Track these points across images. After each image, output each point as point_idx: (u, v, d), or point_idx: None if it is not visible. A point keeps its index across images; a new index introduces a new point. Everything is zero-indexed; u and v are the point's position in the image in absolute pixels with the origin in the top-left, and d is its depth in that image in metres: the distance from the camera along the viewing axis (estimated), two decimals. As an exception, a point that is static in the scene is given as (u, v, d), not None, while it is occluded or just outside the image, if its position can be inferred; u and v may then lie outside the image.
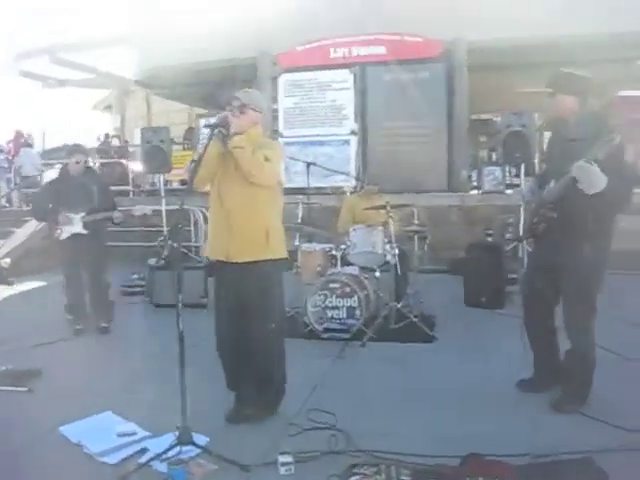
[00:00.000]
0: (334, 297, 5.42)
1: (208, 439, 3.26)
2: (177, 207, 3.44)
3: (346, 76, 10.56)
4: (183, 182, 12.27)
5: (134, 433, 3.36)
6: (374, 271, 5.80)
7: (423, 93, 10.29)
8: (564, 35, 9.58)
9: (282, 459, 2.93)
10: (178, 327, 3.09)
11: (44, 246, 8.65)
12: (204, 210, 8.28)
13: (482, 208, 9.10)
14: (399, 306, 5.68)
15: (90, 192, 5.74)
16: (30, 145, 14.88)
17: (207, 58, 11.51)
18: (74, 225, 5.65)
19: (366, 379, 4.42)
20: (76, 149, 5.87)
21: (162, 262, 7.08)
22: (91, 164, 6.56)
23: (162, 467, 2.91)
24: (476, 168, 10.98)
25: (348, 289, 5.40)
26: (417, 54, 10.35)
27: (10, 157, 14.54)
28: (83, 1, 14.75)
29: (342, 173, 8.80)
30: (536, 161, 8.92)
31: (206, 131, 3.44)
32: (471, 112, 10.90)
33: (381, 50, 10.53)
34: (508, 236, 8.12)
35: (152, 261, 7.17)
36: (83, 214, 5.65)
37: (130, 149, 15.41)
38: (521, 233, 7.39)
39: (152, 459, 3.00)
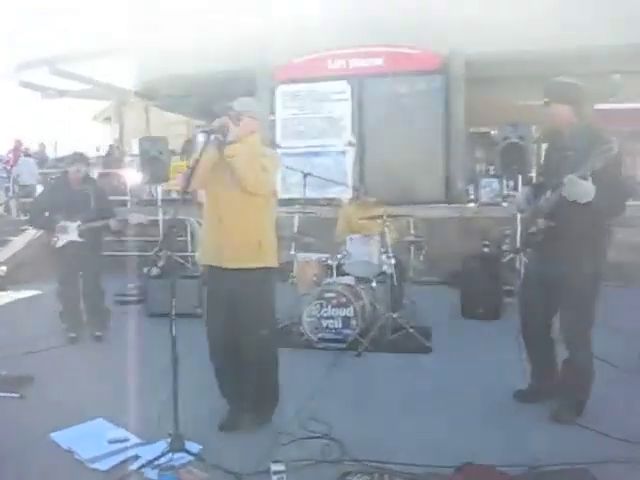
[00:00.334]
0: (330, 307, 5.40)
1: (201, 447, 3.23)
2: (170, 217, 3.40)
3: (344, 88, 10.61)
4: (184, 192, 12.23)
5: (126, 440, 3.33)
6: (370, 281, 5.79)
7: (421, 105, 10.35)
8: (562, 48, 9.64)
9: (274, 467, 2.89)
10: (171, 332, 3.07)
11: (40, 255, 8.64)
12: (200, 221, 8.26)
13: (479, 220, 9.10)
14: (395, 316, 5.65)
15: (88, 200, 5.73)
16: (29, 155, 14.88)
17: (206, 69, 11.54)
18: (70, 233, 5.64)
19: (361, 389, 4.39)
20: (78, 158, 5.87)
21: (158, 271, 7.05)
22: (90, 173, 6.55)
23: (154, 474, 2.88)
24: (473, 182, 10.99)
25: (344, 299, 5.38)
26: (415, 66, 10.40)
27: (9, 167, 14.53)
28: (82, 12, 14.77)
29: (339, 183, 8.79)
30: (533, 174, 8.92)
31: (202, 138, 3.43)
32: (469, 125, 10.94)
33: (379, 62, 10.59)
34: (505, 248, 8.11)
35: (148, 270, 7.14)
36: (79, 222, 5.65)
37: (129, 159, 15.40)
38: (518, 245, 7.39)
39: (143, 466, 2.97)
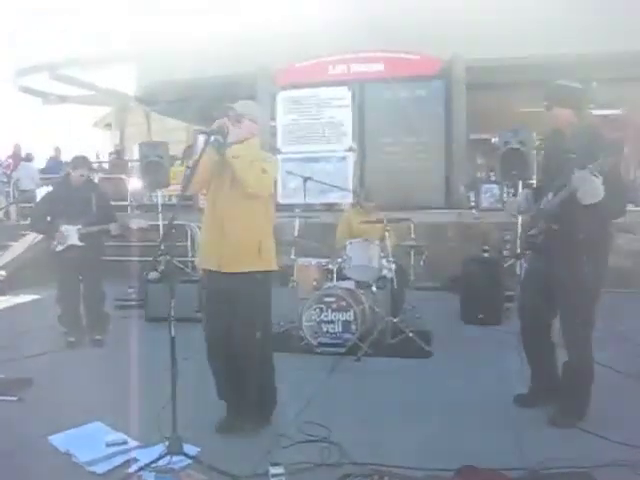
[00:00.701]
0: (329, 311, 5.39)
1: (199, 449, 3.21)
2: (168, 222, 3.40)
3: (344, 93, 10.60)
4: (185, 198, 12.24)
5: (124, 443, 3.31)
6: (370, 286, 5.77)
7: (421, 110, 10.36)
8: (563, 54, 9.64)
9: (273, 470, 2.88)
10: (170, 333, 3.06)
11: (40, 260, 8.63)
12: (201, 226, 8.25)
13: (479, 225, 9.08)
14: (395, 321, 5.64)
15: (89, 204, 5.73)
16: (30, 160, 14.86)
17: (206, 75, 11.56)
18: (70, 236, 5.63)
19: (361, 393, 4.37)
20: (81, 162, 5.87)
21: (157, 275, 7.03)
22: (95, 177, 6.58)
23: (151, 477, 2.86)
24: (474, 189, 10.96)
25: (344, 303, 5.36)
26: (415, 71, 10.41)
27: (9, 172, 14.52)
28: (83, 17, 14.81)
29: (339, 187, 8.78)
30: (534, 180, 8.91)
31: (202, 138, 3.43)
32: (470, 131, 10.93)
33: (379, 67, 10.59)
34: (505, 253, 8.09)
35: (148, 274, 7.12)
36: (80, 226, 5.64)
37: (130, 164, 15.40)
38: (519, 250, 7.37)
39: (141, 468, 2.95)
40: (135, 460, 3.12)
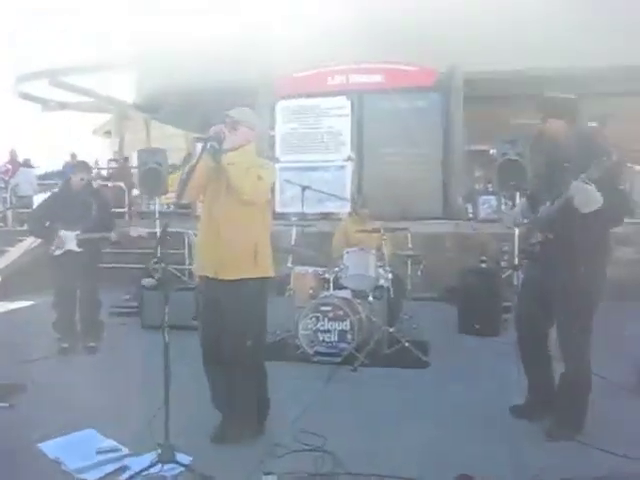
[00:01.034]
0: (326, 320, 5.36)
1: (191, 458, 3.18)
2: (162, 228, 3.38)
3: (343, 103, 10.61)
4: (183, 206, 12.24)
5: (115, 450, 3.28)
6: (367, 295, 5.75)
7: (419, 121, 10.38)
8: (561, 67, 9.67)
9: (267, 479, 2.85)
10: (164, 339, 3.04)
11: (36, 266, 8.60)
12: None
13: (477, 236, 9.06)
14: (392, 330, 5.61)
15: (89, 210, 5.71)
16: (29, 166, 14.85)
17: (206, 83, 11.57)
18: (68, 242, 5.60)
19: (357, 403, 4.34)
20: (81, 166, 5.85)
21: (152, 282, 7.01)
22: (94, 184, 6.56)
23: (143, 486, 2.83)
24: (472, 200, 10.96)
25: (340, 312, 5.34)
26: (413, 82, 10.43)
27: (7, 178, 14.51)
28: (83, 24, 14.87)
29: (336, 196, 8.77)
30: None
31: (199, 145, 3.42)
32: (467, 143, 10.94)
33: (378, 78, 10.61)
34: (503, 264, 8.06)
35: (144, 281, 7.10)
36: (79, 232, 5.61)
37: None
38: (516, 261, 7.35)
39: (132, 477, 2.92)
40: (126, 468, 3.09)
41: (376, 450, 3.43)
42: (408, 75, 10.48)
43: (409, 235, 6.49)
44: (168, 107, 13.62)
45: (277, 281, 6.35)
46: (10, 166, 14.81)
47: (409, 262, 6.43)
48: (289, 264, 6.11)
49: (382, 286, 5.67)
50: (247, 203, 3.41)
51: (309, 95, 10.79)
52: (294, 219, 6.93)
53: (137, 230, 5.85)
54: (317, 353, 5.35)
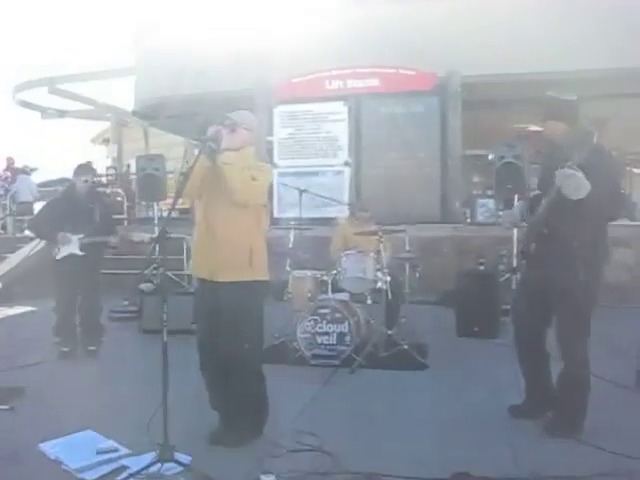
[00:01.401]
0: (324, 323, 5.37)
1: (190, 458, 3.18)
2: (159, 233, 3.40)
3: (341, 108, 10.65)
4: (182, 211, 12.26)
5: (115, 450, 3.29)
6: (365, 298, 5.76)
7: (417, 126, 10.40)
8: (560, 71, 9.70)
9: (264, 478, 2.86)
10: (162, 339, 3.05)
11: (35, 272, 8.64)
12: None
13: (475, 240, 9.09)
14: (390, 333, 5.63)
15: (92, 214, 5.72)
16: (28, 173, 14.88)
17: (204, 90, 11.62)
18: (71, 245, 5.61)
19: (354, 405, 4.34)
20: (84, 168, 5.88)
21: (151, 286, 7.04)
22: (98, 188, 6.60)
23: (142, 484, 2.84)
24: (469, 205, 10.98)
25: (339, 315, 5.35)
26: (411, 87, 10.44)
27: (7, 185, 14.55)
28: (82, 33, 14.99)
29: (334, 200, 8.77)
30: (530, 194, 8.92)
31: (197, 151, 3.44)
32: (465, 147, 10.96)
33: (376, 83, 10.61)
34: (501, 267, 8.08)
35: (143, 286, 7.12)
36: (82, 235, 5.63)
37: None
38: (515, 264, 7.37)
39: (131, 475, 2.93)
40: (126, 467, 3.10)
41: (374, 450, 3.43)
42: (406, 80, 10.49)
43: (407, 238, 6.51)
44: (167, 114, 13.65)
45: (275, 286, 6.38)
46: (9, 173, 14.85)
47: (407, 265, 6.44)
48: (287, 267, 6.13)
49: (380, 289, 5.69)
50: (240, 204, 3.41)
51: (307, 100, 10.82)
52: (292, 223, 6.94)
53: (139, 235, 5.87)
54: (315, 356, 5.36)
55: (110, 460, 3.19)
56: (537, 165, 7.70)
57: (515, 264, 7.34)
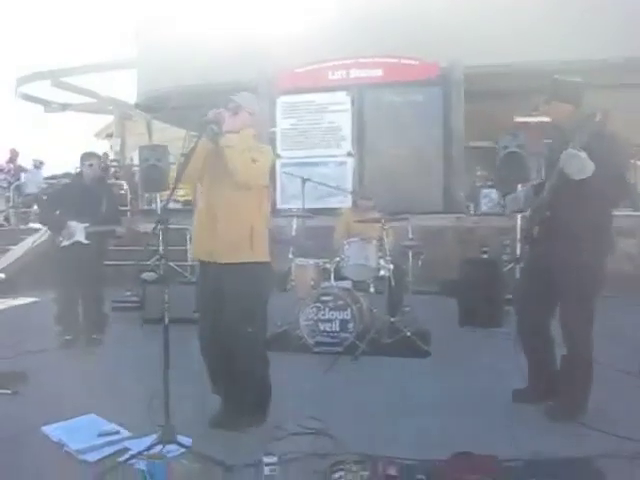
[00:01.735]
0: (327, 310, 5.37)
1: (191, 440, 3.18)
2: (160, 221, 3.39)
3: (343, 98, 10.62)
4: (185, 202, 12.30)
5: (116, 433, 3.30)
6: (368, 286, 5.75)
7: (420, 116, 10.37)
8: (563, 62, 9.64)
9: (267, 459, 2.85)
10: (164, 322, 3.05)
11: (39, 263, 8.66)
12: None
13: (478, 230, 9.06)
14: (393, 320, 5.62)
15: (99, 203, 5.72)
16: (38, 167, 14.89)
17: (205, 81, 11.59)
18: (77, 233, 5.61)
19: (357, 391, 4.33)
20: (90, 154, 5.88)
21: (154, 275, 7.03)
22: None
23: (143, 465, 2.83)
24: (472, 197, 10.94)
25: (341, 302, 5.35)
26: (413, 76, 10.41)
27: (10, 178, 14.57)
28: (84, 26, 15.00)
29: (337, 188, 8.76)
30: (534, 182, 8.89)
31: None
32: (468, 138, 10.92)
33: (378, 73, 10.58)
34: (505, 257, 8.06)
35: (145, 275, 7.11)
36: (88, 224, 5.62)
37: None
38: (518, 254, 7.35)
39: (133, 456, 2.93)
40: (128, 449, 3.11)
41: (376, 434, 3.43)
42: (409, 69, 10.46)
43: (410, 226, 6.49)
44: (169, 106, 13.63)
45: (279, 276, 6.37)
46: (12, 165, 14.86)
47: (410, 253, 6.42)
48: (290, 255, 6.12)
49: (383, 277, 5.68)
50: (240, 185, 3.40)
51: (309, 90, 10.79)
52: (295, 209, 6.92)
53: (145, 226, 5.86)
54: (318, 343, 5.36)
55: (112, 442, 3.20)
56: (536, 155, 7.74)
57: (518, 253, 7.31)
